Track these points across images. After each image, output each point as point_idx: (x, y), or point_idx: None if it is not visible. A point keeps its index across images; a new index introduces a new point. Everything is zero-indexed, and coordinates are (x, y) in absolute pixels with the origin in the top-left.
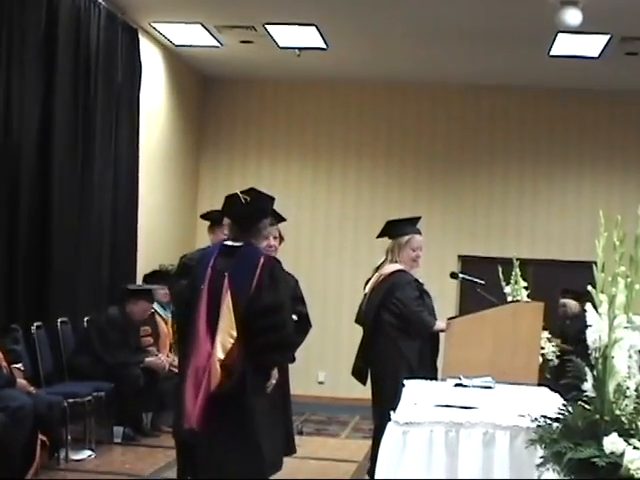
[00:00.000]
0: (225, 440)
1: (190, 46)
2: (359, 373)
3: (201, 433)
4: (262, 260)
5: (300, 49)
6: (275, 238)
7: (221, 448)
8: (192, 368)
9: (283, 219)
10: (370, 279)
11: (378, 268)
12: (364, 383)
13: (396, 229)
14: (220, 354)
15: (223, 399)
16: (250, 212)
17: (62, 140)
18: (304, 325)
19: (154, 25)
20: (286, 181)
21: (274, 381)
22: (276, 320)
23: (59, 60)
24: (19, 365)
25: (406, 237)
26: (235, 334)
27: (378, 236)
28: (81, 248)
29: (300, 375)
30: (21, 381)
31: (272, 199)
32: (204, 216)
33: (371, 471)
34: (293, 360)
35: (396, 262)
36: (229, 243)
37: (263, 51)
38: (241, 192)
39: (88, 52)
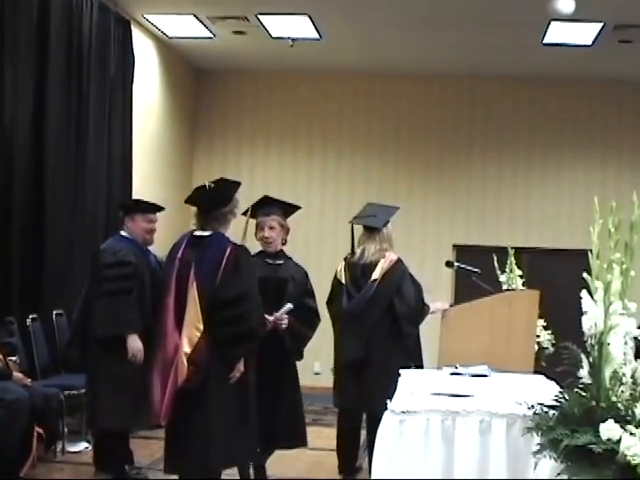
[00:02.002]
0: (183, 434)
1: (183, 37)
2: (358, 362)
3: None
4: (228, 249)
5: (293, 39)
6: (271, 229)
7: (179, 441)
8: (160, 362)
9: (293, 208)
10: (345, 267)
11: (355, 255)
12: (358, 373)
13: (386, 218)
14: (187, 347)
15: (187, 392)
16: (212, 198)
17: (55, 133)
18: (313, 319)
19: (147, 17)
20: (280, 171)
21: (237, 374)
22: (240, 311)
23: (51, 52)
24: (15, 358)
25: (390, 226)
26: (201, 327)
27: (379, 225)
28: (75, 240)
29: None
30: (17, 374)
31: (237, 184)
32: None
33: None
34: (300, 357)
35: (387, 250)
36: (197, 233)
37: (256, 42)
38: (210, 181)
39: (81, 44)
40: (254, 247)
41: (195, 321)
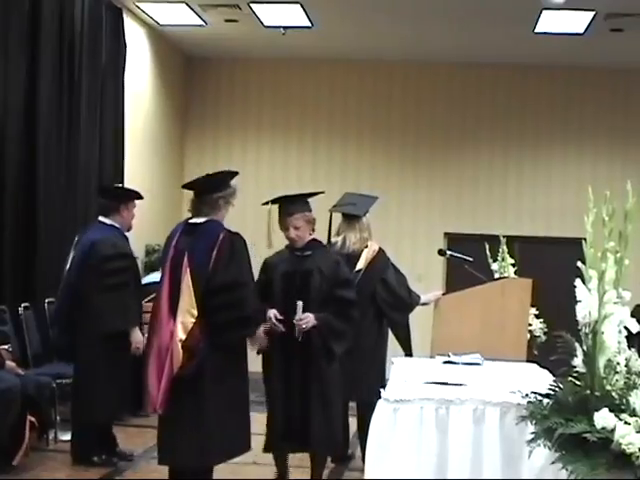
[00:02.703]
0: (177, 424)
1: (175, 25)
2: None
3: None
4: (221, 236)
5: (285, 28)
6: (296, 228)
7: (173, 431)
8: (155, 349)
9: (307, 208)
10: None
11: (336, 244)
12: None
13: (367, 206)
14: (181, 334)
15: (182, 382)
16: (206, 183)
17: (47, 121)
18: (345, 310)
19: (138, 4)
20: (272, 160)
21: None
22: (234, 297)
23: (43, 40)
24: (7, 346)
25: (368, 215)
26: (196, 313)
27: (360, 213)
28: (67, 228)
29: None
30: (9, 363)
31: (232, 173)
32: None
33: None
34: (332, 358)
35: (368, 239)
36: (192, 220)
37: (248, 30)
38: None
39: (72, 32)
40: (279, 240)
41: (189, 308)
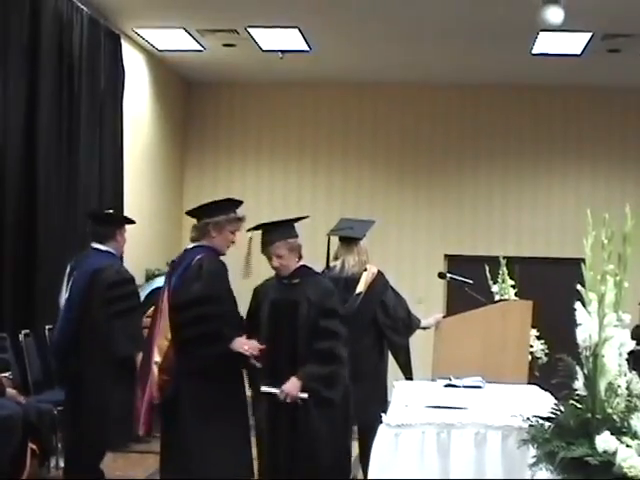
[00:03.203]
0: (162, 446)
1: (173, 51)
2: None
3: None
4: (197, 258)
5: (283, 52)
6: (279, 257)
7: (163, 456)
8: (141, 372)
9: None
10: None
11: (335, 268)
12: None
13: (365, 229)
14: (157, 357)
15: (164, 404)
16: (198, 209)
17: (46, 146)
18: (329, 347)
19: (137, 30)
20: (271, 183)
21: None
22: (199, 312)
23: (42, 66)
24: (8, 374)
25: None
26: (169, 336)
27: (358, 236)
28: (68, 255)
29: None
30: (10, 390)
31: (230, 201)
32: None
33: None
34: (331, 405)
35: (366, 262)
36: (188, 246)
37: (246, 54)
38: None
39: (71, 58)
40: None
41: (165, 331)
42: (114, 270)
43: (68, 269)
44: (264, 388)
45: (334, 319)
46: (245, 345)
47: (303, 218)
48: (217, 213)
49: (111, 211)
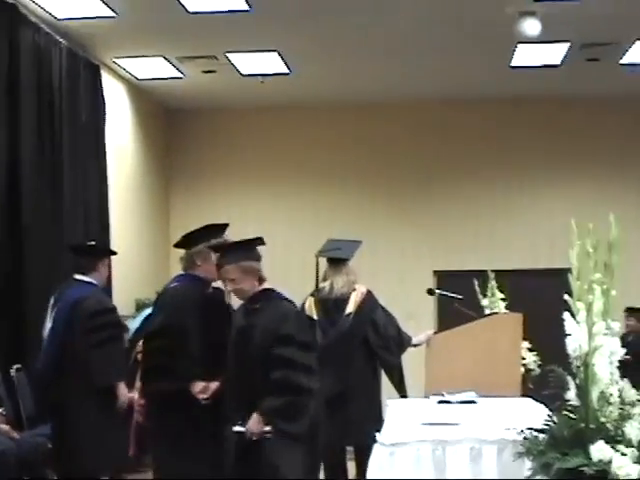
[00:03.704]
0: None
1: (153, 79)
2: (338, 396)
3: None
4: (171, 285)
5: (263, 75)
6: (231, 281)
7: None
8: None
9: (250, 245)
10: (315, 303)
11: (324, 289)
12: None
13: (353, 250)
14: (138, 381)
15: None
16: (183, 240)
17: (30, 181)
18: (284, 377)
19: (116, 60)
20: (257, 207)
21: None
22: (155, 345)
23: (23, 101)
24: (0, 410)
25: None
26: None
27: (346, 256)
28: (55, 288)
29: None
30: (3, 426)
31: (208, 227)
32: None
33: None
34: (297, 439)
35: (355, 282)
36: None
37: (226, 80)
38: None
39: (51, 91)
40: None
41: None
42: (95, 300)
43: (52, 301)
44: (234, 428)
45: (290, 346)
46: (197, 388)
47: (256, 241)
48: (199, 242)
49: (93, 243)
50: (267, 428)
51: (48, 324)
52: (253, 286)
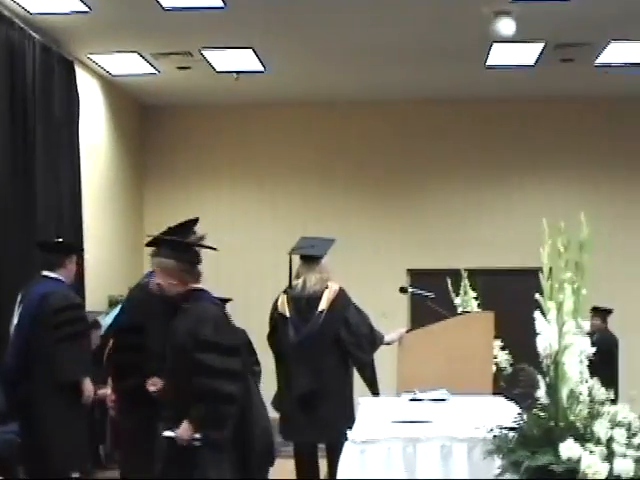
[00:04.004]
0: None
1: (127, 75)
2: (311, 393)
3: None
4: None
5: (238, 72)
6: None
7: None
8: None
9: (165, 255)
10: (287, 300)
11: (296, 287)
12: (312, 405)
13: (326, 248)
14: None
15: None
16: (156, 242)
17: (2, 177)
18: (206, 384)
19: (90, 56)
20: (231, 204)
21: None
22: (119, 341)
23: None
24: None
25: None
26: None
27: (319, 254)
28: (25, 285)
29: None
30: None
31: (180, 226)
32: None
33: None
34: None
35: (328, 280)
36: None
37: (201, 76)
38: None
39: (24, 87)
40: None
41: None
42: (61, 295)
43: (19, 297)
44: (164, 433)
45: (207, 351)
46: (149, 382)
47: (174, 240)
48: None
49: (60, 239)
50: (196, 435)
51: (15, 320)
52: (170, 285)
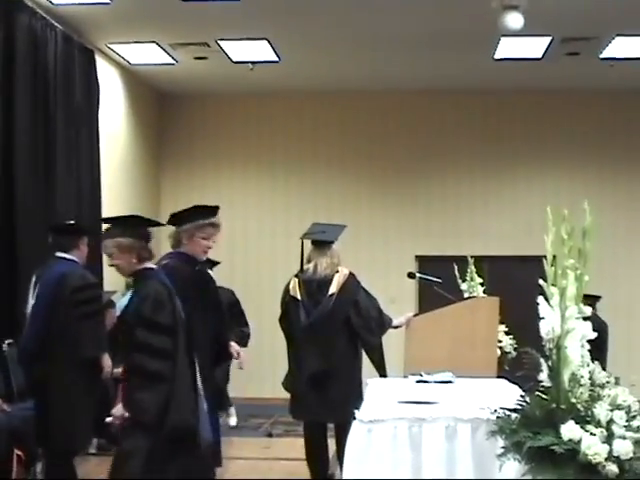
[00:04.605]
0: None
1: (146, 64)
2: (321, 374)
3: None
4: (164, 262)
5: (253, 63)
6: (109, 256)
7: None
8: None
9: (122, 233)
10: (298, 283)
11: (308, 271)
12: (321, 385)
13: (337, 233)
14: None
15: None
16: (172, 217)
17: (24, 164)
18: (146, 363)
19: (110, 46)
20: (244, 191)
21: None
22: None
23: (18, 84)
24: None
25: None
26: None
27: (331, 239)
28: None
29: (267, 378)
30: None
31: (197, 207)
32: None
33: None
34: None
35: (338, 264)
36: None
37: (217, 66)
38: None
39: (46, 75)
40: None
41: None
42: (78, 275)
43: (34, 278)
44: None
45: (141, 328)
46: None
47: (136, 219)
48: (185, 221)
49: (72, 222)
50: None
51: (31, 301)
52: (130, 264)
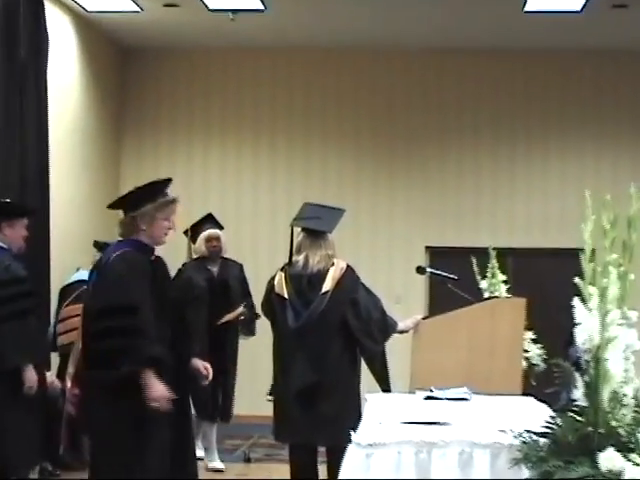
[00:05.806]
0: None
1: (105, 12)
2: (311, 387)
3: None
4: (111, 258)
5: (234, 12)
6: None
7: None
8: None
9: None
10: (285, 279)
11: (297, 264)
12: (312, 401)
13: (335, 221)
14: (70, 367)
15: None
16: (122, 201)
17: None
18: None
19: None
20: (222, 162)
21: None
22: (108, 324)
23: None
24: None
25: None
26: (80, 345)
27: (328, 229)
28: None
29: (244, 393)
30: None
31: (152, 184)
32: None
33: None
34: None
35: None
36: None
37: (191, 15)
38: None
39: None
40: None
41: (79, 338)
42: (2, 267)
43: None
44: None
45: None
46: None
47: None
48: (142, 203)
49: (7, 200)
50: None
51: None
52: None
